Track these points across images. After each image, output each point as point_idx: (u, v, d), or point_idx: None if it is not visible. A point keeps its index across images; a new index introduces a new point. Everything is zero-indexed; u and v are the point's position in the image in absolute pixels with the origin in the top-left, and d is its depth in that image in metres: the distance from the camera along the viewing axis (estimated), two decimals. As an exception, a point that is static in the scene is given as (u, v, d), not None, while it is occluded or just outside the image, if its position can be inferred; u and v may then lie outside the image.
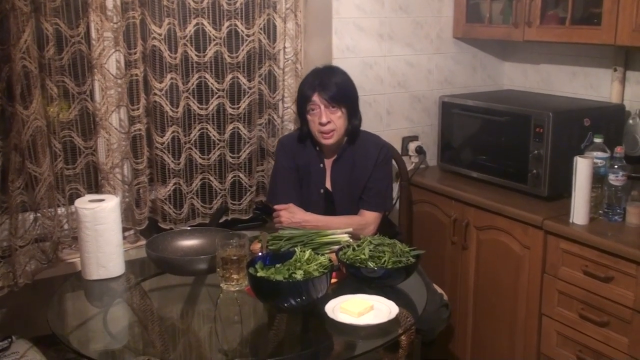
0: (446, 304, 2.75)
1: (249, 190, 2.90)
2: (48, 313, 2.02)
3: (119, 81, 2.57)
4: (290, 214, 2.55)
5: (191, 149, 2.76)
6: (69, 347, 1.85)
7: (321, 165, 2.65)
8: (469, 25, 3.23)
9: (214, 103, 2.76)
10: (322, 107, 2.51)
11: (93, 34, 2.49)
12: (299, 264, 1.98)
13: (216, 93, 2.76)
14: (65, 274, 2.47)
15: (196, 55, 2.69)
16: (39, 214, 2.45)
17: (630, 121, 2.68)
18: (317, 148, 2.64)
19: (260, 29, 2.80)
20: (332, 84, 2.51)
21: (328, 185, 2.66)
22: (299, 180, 2.66)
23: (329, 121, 2.51)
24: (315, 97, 2.51)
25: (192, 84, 2.71)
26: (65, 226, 2.60)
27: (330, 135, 2.53)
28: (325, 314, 1.89)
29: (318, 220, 2.54)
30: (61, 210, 2.57)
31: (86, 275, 2.22)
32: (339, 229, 2.38)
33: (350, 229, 2.38)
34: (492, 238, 2.77)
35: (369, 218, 2.58)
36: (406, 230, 3.09)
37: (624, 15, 2.50)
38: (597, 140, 2.54)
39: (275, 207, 2.61)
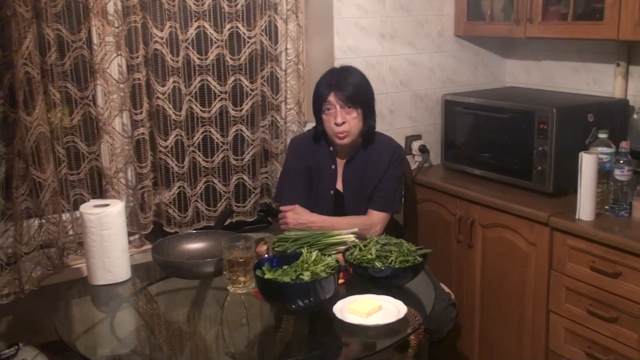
0: (454, 302, 2.75)
1: (253, 192, 2.90)
2: (55, 319, 2.01)
3: (122, 85, 2.56)
4: (296, 215, 2.54)
5: (195, 152, 2.76)
6: (76, 353, 1.85)
7: (333, 166, 2.64)
8: (470, 23, 3.22)
9: (216, 106, 2.76)
10: (338, 107, 2.49)
11: (95, 39, 2.49)
12: (306, 265, 1.98)
13: (219, 96, 2.75)
14: (71, 279, 2.46)
15: (198, 58, 2.69)
16: (43, 220, 2.45)
17: (635, 116, 2.67)
18: (331, 148, 2.63)
19: (262, 30, 2.79)
20: (348, 84, 2.50)
21: (339, 186, 2.64)
22: (307, 182, 2.65)
23: (344, 122, 2.49)
24: (332, 97, 2.49)
25: (195, 87, 2.70)
26: (70, 232, 2.59)
27: (344, 135, 2.52)
28: (333, 314, 1.89)
29: (324, 221, 2.53)
30: (66, 216, 2.56)
31: (92, 281, 2.21)
32: (345, 229, 2.37)
33: (356, 229, 2.37)
34: (497, 236, 2.76)
35: (376, 218, 2.57)
36: (411, 230, 3.08)
37: (626, 10, 2.49)
38: (602, 135, 2.53)
39: (281, 208, 2.60)
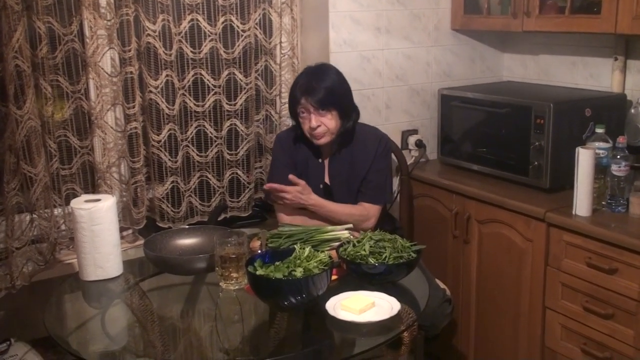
0: (449, 299, 2.73)
1: (248, 187, 2.88)
2: (46, 315, 2.00)
3: (114, 79, 2.54)
4: (305, 196, 2.49)
5: (188, 146, 2.73)
6: (67, 350, 1.83)
7: (320, 160, 2.62)
8: (467, 16, 3.20)
9: (210, 100, 2.73)
10: (311, 111, 2.47)
11: (86, 32, 2.46)
12: (298, 261, 1.96)
13: (212, 89, 2.73)
14: (63, 275, 2.44)
15: (191, 51, 2.66)
16: (35, 215, 2.43)
17: (632, 111, 2.65)
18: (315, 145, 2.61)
19: (256, 24, 2.77)
20: (320, 88, 2.45)
21: (327, 180, 2.63)
22: (296, 176, 2.62)
23: (319, 125, 2.47)
24: (304, 101, 2.47)
25: (188, 80, 2.68)
26: (62, 227, 2.58)
27: (321, 136, 2.50)
28: (326, 311, 1.88)
29: (322, 206, 2.50)
30: (57, 211, 2.54)
31: (84, 276, 2.20)
32: (343, 215, 2.40)
33: (351, 225, 2.36)
34: (494, 231, 2.74)
35: (370, 211, 2.55)
36: (407, 225, 3.07)
37: (624, 3, 2.46)
38: (599, 130, 2.51)
39: (283, 187, 2.49)
